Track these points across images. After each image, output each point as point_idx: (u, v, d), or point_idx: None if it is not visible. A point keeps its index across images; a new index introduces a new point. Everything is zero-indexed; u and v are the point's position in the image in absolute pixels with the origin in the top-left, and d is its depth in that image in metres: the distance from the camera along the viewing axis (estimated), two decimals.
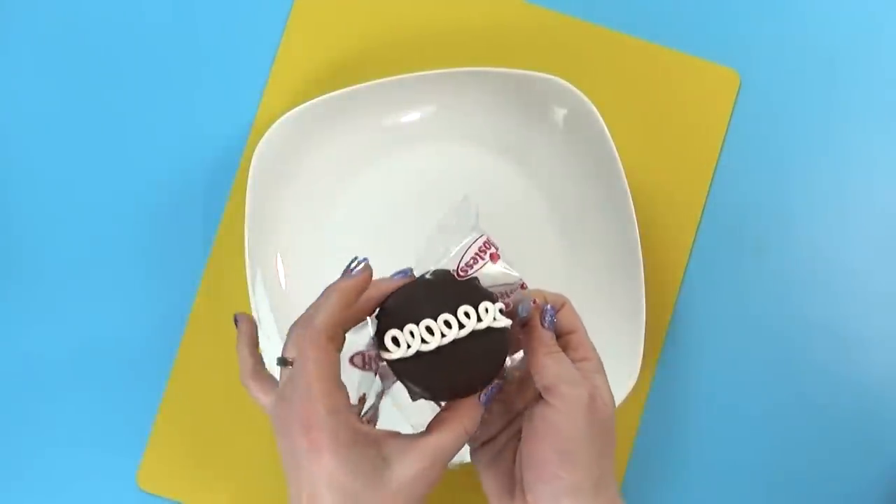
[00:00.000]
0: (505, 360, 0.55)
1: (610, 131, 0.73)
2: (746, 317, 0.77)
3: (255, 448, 0.76)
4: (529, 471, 0.56)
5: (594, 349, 0.59)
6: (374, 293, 0.55)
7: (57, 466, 0.76)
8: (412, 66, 0.75)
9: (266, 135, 0.73)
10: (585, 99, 0.73)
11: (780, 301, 0.77)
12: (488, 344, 0.54)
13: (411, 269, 0.57)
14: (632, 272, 0.73)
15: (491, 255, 0.60)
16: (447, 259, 0.59)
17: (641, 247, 0.73)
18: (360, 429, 0.53)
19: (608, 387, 0.57)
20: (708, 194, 0.78)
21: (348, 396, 0.53)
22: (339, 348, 0.54)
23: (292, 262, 0.75)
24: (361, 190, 0.76)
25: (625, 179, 0.73)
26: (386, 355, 0.54)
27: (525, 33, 0.78)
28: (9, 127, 0.79)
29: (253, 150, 0.74)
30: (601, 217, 0.74)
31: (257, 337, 0.58)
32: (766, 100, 0.78)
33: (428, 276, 0.56)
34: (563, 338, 0.59)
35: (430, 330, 0.53)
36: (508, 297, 0.59)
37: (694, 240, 0.77)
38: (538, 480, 0.55)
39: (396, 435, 0.54)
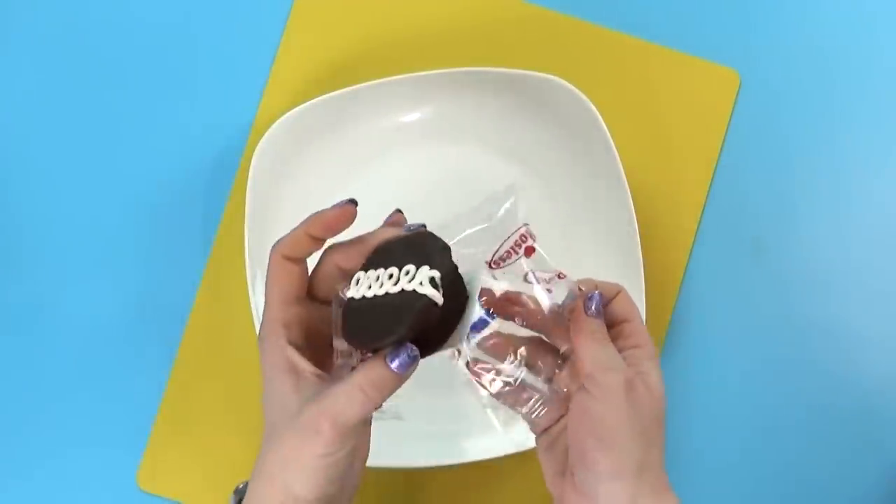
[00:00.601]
0: (407, 327, 0.52)
1: (610, 131, 0.73)
2: (746, 316, 0.77)
3: (254, 448, 0.76)
4: (573, 455, 0.56)
5: (648, 337, 0.58)
6: (373, 238, 0.56)
7: (57, 466, 0.76)
8: (412, 66, 0.75)
9: (266, 135, 0.73)
10: (585, 99, 0.73)
11: (780, 301, 0.77)
12: (403, 304, 0.52)
13: (423, 225, 0.57)
14: (632, 272, 0.73)
15: (526, 249, 0.59)
16: (477, 250, 0.59)
17: (641, 247, 0.73)
18: (287, 355, 0.54)
19: (659, 374, 0.56)
20: (708, 194, 0.78)
21: (303, 319, 0.55)
22: (306, 273, 0.56)
23: None
24: (361, 190, 0.76)
25: (625, 179, 0.73)
26: (344, 291, 0.54)
27: (525, 33, 0.78)
28: (8, 127, 0.79)
29: (253, 150, 0.74)
30: (601, 217, 0.74)
31: (337, 227, 0.56)
32: (766, 100, 0.78)
33: (417, 233, 0.56)
34: (616, 327, 0.58)
35: (379, 280, 0.53)
36: (549, 283, 0.58)
37: (694, 240, 0.77)
38: (579, 465, 0.55)
39: (322, 378, 0.54)
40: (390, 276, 0.53)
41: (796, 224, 0.78)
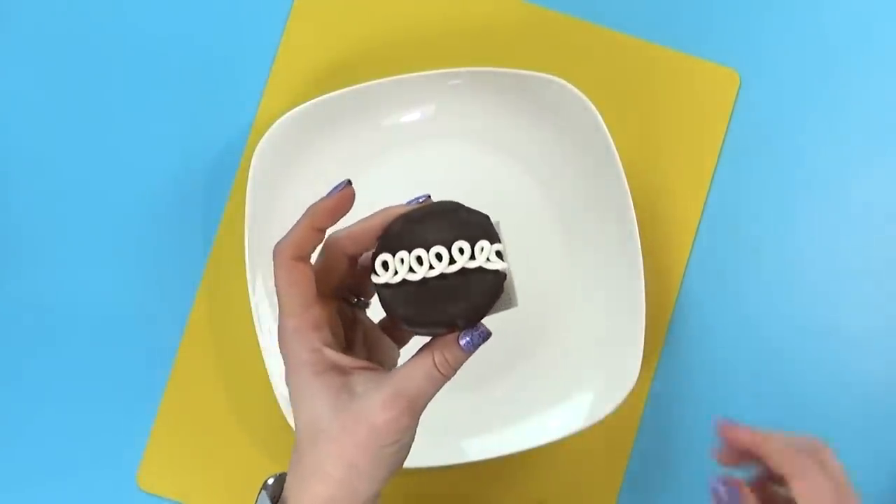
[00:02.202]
0: (490, 303, 0.52)
1: (610, 131, 0.73)
2: (746, 316, 0.77)
3: (255, 448, 0.76)
4: None
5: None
6: (380, 217, 0.53)
7: (57, 466, 0.76)
8: (412, 66, 0.75)
9: (266, 135, 0.73)
10: (585, 99, 0.73)
11: (780, 301, 0.77)
12: (475, 283, 0.51)
13: (429, 196, 0.55)
14: (632, 272, 0.73)
15: None
16: None
17: (641, 247, 0.73)
18: (324, 354, 0.52)
19: None
20: (708, 194, 0.78)
21: (328, 318, 0.53)
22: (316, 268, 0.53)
23: None
24: (361, 190, 0.76)
25: (625, 179, 0.73)
26: (374, 278, 0.52)
27: (525, 33, 0.78)
28: (8, 127, 0.79)
29: (253, 150, 0.74)
30: (601, 217, 0.74)
31: (338, 214, 0.54)
32: (766, 100, 0.78)
33: (438, 204, 0.54)
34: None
35: (420, 260, 0.52)
36: None
37: (694, 240, 0.77)
38: None
39: (371, 369, 0.53)
40: (438, 257, 0.51)
41: (796, 224, 0.78)
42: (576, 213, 0.76)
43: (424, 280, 0.51)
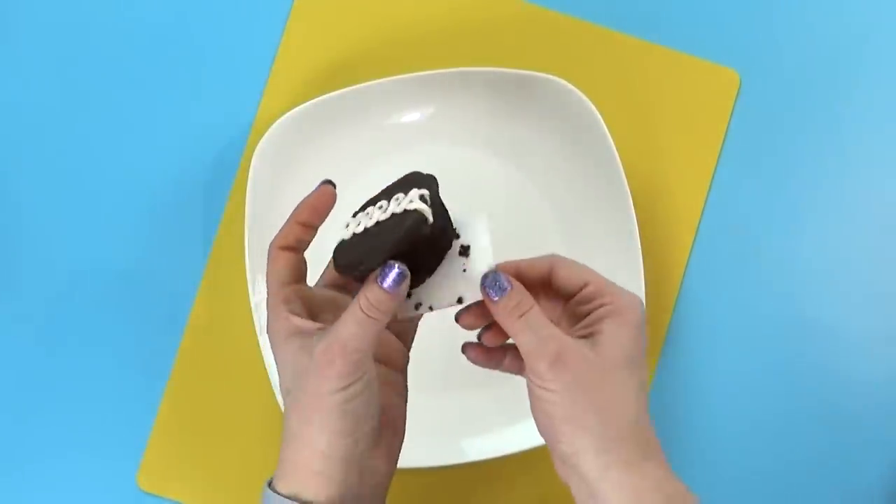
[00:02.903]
0: (401, 242, 0.52)
1: (610, 131, 0.73)
2: (746, 317, 0.77)
3: (255, 448, 0.76)
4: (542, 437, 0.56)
5: (613, 290, 0.57)
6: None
7: (57, 467, 0.76)
8: (412, 66, 0.75)
9: (266, 135, 0.73)
10: (585, 99, 0.73)
11: (780, 301, 0.77)
12: (394, 224, 0.53)
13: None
14: (632, 272, 0.73)
15: None
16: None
17: (641, 247, 0.73)
18: (292, 322, 0.54)
19: (621, 330, 0.55)
20: (708, 194, 0.78)
21: (304, 294, 0.56)
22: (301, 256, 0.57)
23: None
24: (361, 190, 0.76)
25: (625, 179, 0.73)
26: (341, 235, 0.55)
27: (525, 33, 0.78)
28: (9, 126, 0.79)
29: (253, 150, 0.74)
30: (601, 217, 0.74)
31: (323, 210, 0.57)
32: (766, 100, 0.78)
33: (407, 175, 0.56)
34: (576, 295, 0.57)
35: (370, 216, 0.55)
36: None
37: (694, 240, 0.77)
38: (549, 446, 0.56)
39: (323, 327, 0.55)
40: (381, 209, 0.54)
41: (796, 224, 0.77)
42: (576, 213, 0.76)
43: (365, 230, 0.54)
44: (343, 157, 0.76)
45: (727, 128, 0.78)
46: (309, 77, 0.78)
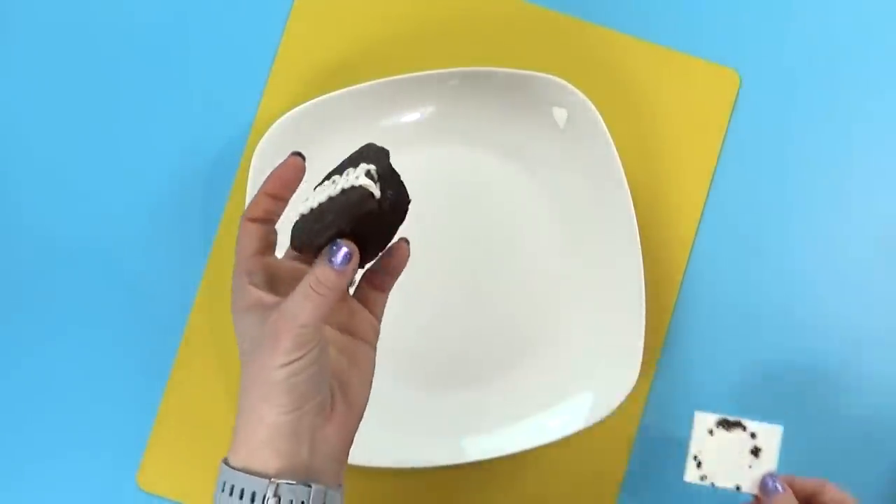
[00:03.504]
0: (347, 220, 0.53)
1: (610, 131, 0.73)
2: (746, 316, 0.77)
3: None
4: None
5: None
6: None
7: (57, 466, 0.76)
8: (412, 66, 0.75)
9: (266, 135, 0.73)
10: (585, 99, 0.73)
11: (780, 301, 0.77)
12: (341, 200, 0.54)
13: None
14: (632, 272, 0.73)
15: None
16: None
17: (641, 247, 0.73)
18: (251, 294, 0.55)
19: None
20: (708, 194, 0.78)
21: (255, 268, 0.56)
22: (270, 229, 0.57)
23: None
24: None
25: (625, 179, 0.73)
26: (299, 210, 0.56)
27: (525, 33, 0.78)
28: (9, 126, 0.79)
29: (253, 151, 0.74)
30: (601, 217, 0.74)
31: (292, 181, 0.57)
32: (766, 100, 0.78)
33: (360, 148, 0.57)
34: None
35: (324, 191, 0.55)
36: None
37: (694, 240, 0.77)
38: None
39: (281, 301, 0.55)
40: (333, 183, 0.54)
41: (796, 224, 0.78)
42: (576, 213, 0.76)
43: (318, 205, 0.55)
44: (343, 157, 0.76)
45: (727, 128, 0.78)
46: (309, 77, 0.78)
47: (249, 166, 0.73)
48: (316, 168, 0.76)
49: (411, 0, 0.79)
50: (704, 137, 0.78)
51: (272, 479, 0.52)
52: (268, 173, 0.73)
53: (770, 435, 0.70)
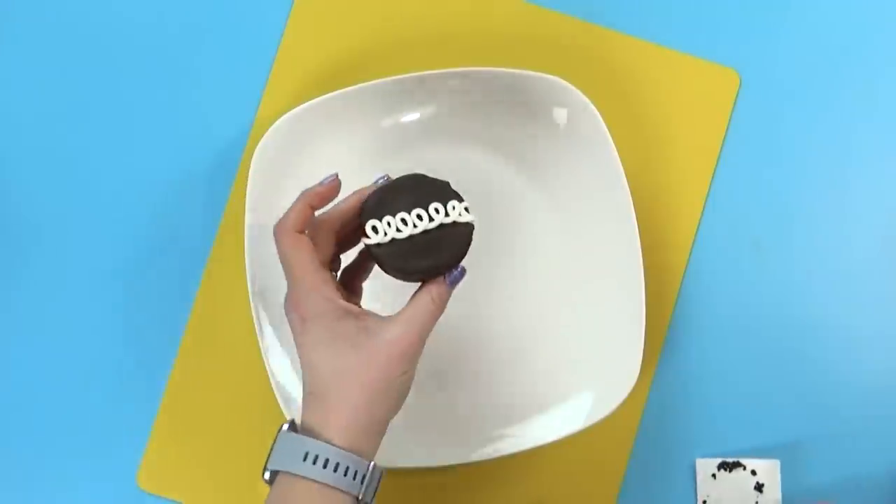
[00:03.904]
0: (466, 249, 0.64)
1: (610, 131, 0.73)
2: (746, 316, 0.77)
3: (254, 448, 0.76)
4: None
5: None
6: (357, 196, 0.64)
7: (57, 466, 0.76)
8: (412, 66, 0.75)
9: (266, 135, 0.73)
10: (585, 99, 0.73)
11: (780, 301, 0.77)
12: (453, 235, 0.63)
13: (388, 175, 0.66)
14: (632, 272, 0.73)
15: None
16: None
17: (641, 247, 0.73)
18: (341, 304, 0.62)
19: None
20: (708, 194, 0.78)
21: (333, 279, 0.63)
22: (318, 242, 0.63)
23: None
24: None
25: (625, 179, 0.73)
26: (365, 241, 0.63)
27: (525, 33, 0.78)
28: (10, 126, 0.79)
29: (253, 151, 0.74)
30: (601, 217, 0.74)
31: (328, 199, 0.64)
32: (766, 100, 0.78)
33: (404, 177, 0.64)
34: None
35: (405, 221, 0.62)
36: None
37: (694, 240, 0.77)
38: None
39: (374, 313, 0.63)
40: (419, 217, 0.62)
41: (796, 224, 0.78)
42: (576, 213, 0.76)
43: (411, 237, 0.62)
44: (343, 156, 0.76)
45: (727, 128, 0.78)
46: (309, 77, 0.78)
47: (249, 166, 0.73)
48: (315, 168, 0.76)
49: (411, 0, 0.79)
50: (704, 137, 0.78)
51: (371, 463, 0.61)
52: (268, 173, 0.74)
53: (770, 470, 0.74)
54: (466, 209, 0.64)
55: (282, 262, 0.62)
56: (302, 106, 0.74)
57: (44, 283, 0.77)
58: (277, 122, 0.73)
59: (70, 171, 0.78)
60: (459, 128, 0.76)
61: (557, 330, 0.75)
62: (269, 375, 0.73)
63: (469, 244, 0.64)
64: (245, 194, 0.73)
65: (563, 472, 0.76)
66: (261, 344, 0.73)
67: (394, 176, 0.65)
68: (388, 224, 0.63)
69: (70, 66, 0.79)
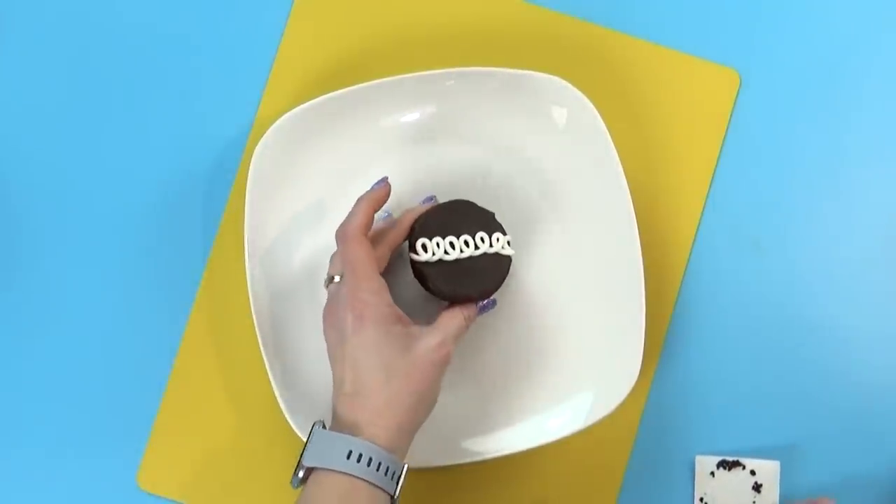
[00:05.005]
0: (503, 280, 0.70)
1: (610, 131, 0.73)
2: (746, 316, 0.77)
3: (254, 447, 0.76)
4: None
5: None
6: (410, 216, 0.71)
7: (57, 466, 0.76)
8: (412, 66, 0.75)
9: (266, 135, 0.73)
10: (585, 99, 0.73)
11: (781, 300, 0.77)
12: (494, 265, 0.70)
13: (435, 196, 0.74)
14: (632, 272, 0.73)
15: None
16: None
17: (641, 247, 0.73)
18: (395, 310, 0.66)
19: None
20: (708, 194, 0.78)
21: (386, 287, 0.67)
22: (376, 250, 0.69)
23: (292, 262, 0.75)
24: (361, 190, 0.76)
25: (625, 179, 0.73)
26: (415, 257, 0.69)
27: (525, 33, 0.78)
28: (8, 126, 0.79)
29: (253, 150, 0.74)
30: (601, 217, 0.74)
31: (384, 201, 0.70)
32: (766, 100, 0.78)
33: (455, 202, 0.71)
34: None
35: (452, 245, 0.69)
36: None
37: (694, 240, 0.77)
38: None
39: (415, 321, 0.68)
40: (466, 243, 0.69)
41: (796, 224, 0.78)
42: (575, 213, 0.76)
43: (457, 260, 0.69)
44: (343, 156, 0.76)
45: (727, 128, 0.78)
46: (309, 77, 0.78)
47: (249, 166, 0.73)
48: (315, 168, 0.76)
49: (411, 0, 0.79)
50: (704, 137, 0.78)
51: (405, 464, 0.65)
52: (268, 173, 0.74)
53: (769, 470, 0.74)
54: (508, 243, 0.70)
55: (346, 263, 0.66)
56: (302, 106, 0.74)
57: (43, 284, 0.77)
58: (277, 122, 0.73)
59: (70, 171, 0.78)
60: (459, 128, 0.76)
61: (557, 330, 0.75)
62: (270, 375, 0.73)
63: (506, 276, 0.70)
64: (245, 194, 0.73)
65: (563, 472, 0.76)
66: (261, 344, 0.73)
67: (439, 196, 0.73)
68: (437, 245, 0.69)
69: (70, 66, 0.79)
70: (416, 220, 0.70)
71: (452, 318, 0.68)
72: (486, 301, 0.72)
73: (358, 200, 0.69)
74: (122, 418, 0.76)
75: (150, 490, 0.76)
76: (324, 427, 0.64)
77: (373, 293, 0.65)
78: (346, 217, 0.68)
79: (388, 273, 0.71)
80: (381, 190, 0.70)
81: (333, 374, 0.66)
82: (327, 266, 0.71)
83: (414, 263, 0.70)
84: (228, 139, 0.78)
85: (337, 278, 0.68)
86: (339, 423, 0.64)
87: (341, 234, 0.67)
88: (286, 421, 0.72)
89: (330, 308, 0.68)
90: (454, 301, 0.70)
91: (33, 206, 0.78)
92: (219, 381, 0.76)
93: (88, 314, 0.77)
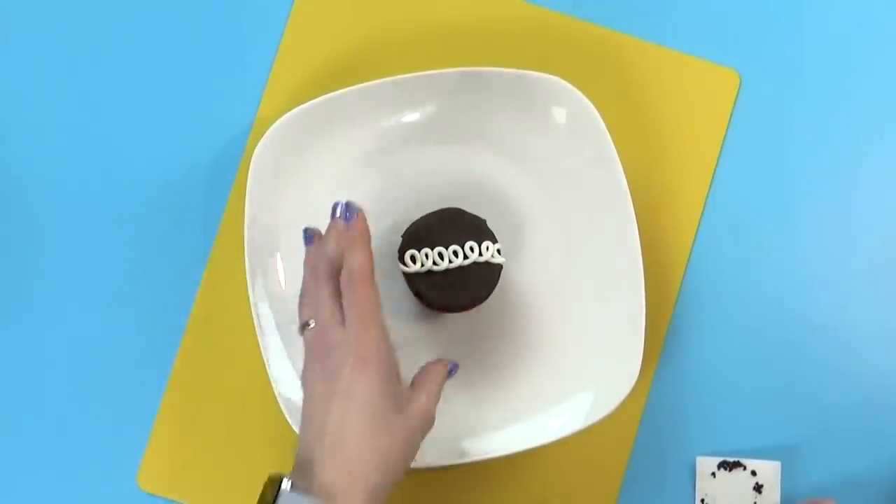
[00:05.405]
0: (493, 289, 0.70)
1: (610, 131, 0.73)
2: (747, 316, 0.77)
3: (254, 447, 0.76)
4: None
5: None
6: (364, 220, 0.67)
7: (57, 466, 0.76)
8: (412, 66, 0.75)
9: (266, 135, 0.73)
10: (585, 99, 0.73)
11: (781, 301, 0.77)
12: (484, 274, 0.70)
13: (349, 202, 0.69)
14: (632, 272, 0.73)
15: None
16: None
17: (641, 247, 0.73)
18: (396, 362, 0.64)
19: None
20: (708, 194, 0.78)
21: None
22: None
23: (292, 262, 0.75)
24: (361, 190, 0.76)
25: (625, 179, 0.73)
26: (404, 269, 0.69)
27: (525, 33, 0.78)
28: (7, 126, 0.79)
29: (253, 150, 0.74)
30: (601, 217, 0.74)
31: (369, 230, 0.67)
32: (766, 100, 0.78)
33: (441, 210, 0.71)
34: None
35: (441, 255, 0.69)
36: None
37: (694, 240, 0.77)
38: None
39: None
40: (455, 253, 0.69)
41: (796, 224, 0.78)
42: (575, 212, 0.76)
43: (447, 271, 0.69)
44: (343, 157, 0.76)
45: (727, 128, 0.78)
46: (309, 77, 0.78)
47: (249, 166, 0.73)
48: (315, 168, 0.76)
49: (411, 0, 0.79)
50: (704, 137, 0.78)
51: None
52: (268, 173, 0.74)
53: (769, 471, 0.74)
54: (499, 251, 0.70)
55: (353, 307, 0.63)
56: (302, 106, 0.74)
57: (43, 284, 0.77)
58: (277, 122, 0.73)
59: (70, 171, 0.78)
60: (459, 128, 0.76)
61: (557, 330, 0.75)
62: (270, 375, 0.73)
63: (496, 284, 0.70)
64: (245, 194, 0.73)
65: (563, 472, 0.76)
66: (261, 344, 0.73)
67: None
68: (427, 256, 0.69)
69: (69, 65, 0.79)
70: (406, 230, 0.70)
71: (435, 378, 0.67)
72: (450, 366, 0.69)
73: (350, 241, 0.65)
74: (121, 418, 0.76)
75: (150, 490, 0.76)
76: (292, 485, 0.60)
77: (381, 340, 0.63)
78: (347, 260, 0.65)
79: (380, 277, 0.67)
80: (363, 222, 0.67)
81: (311, 420, 0.63)
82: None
83: (404, 275, 0.70)
84: (228, 139, 0.78)
85: (312, 323, 0.65)
86: (308, 479, 0.60)
87: (348, 279, 0.64)
88: (286, 421, 0.72)
89: (317, 355, 0.64)
90: (446, 311, 0.71)
91: (33, 206, 0.78)
92: (218, 382, 0.76)
93: (88, 314, 0.77)
